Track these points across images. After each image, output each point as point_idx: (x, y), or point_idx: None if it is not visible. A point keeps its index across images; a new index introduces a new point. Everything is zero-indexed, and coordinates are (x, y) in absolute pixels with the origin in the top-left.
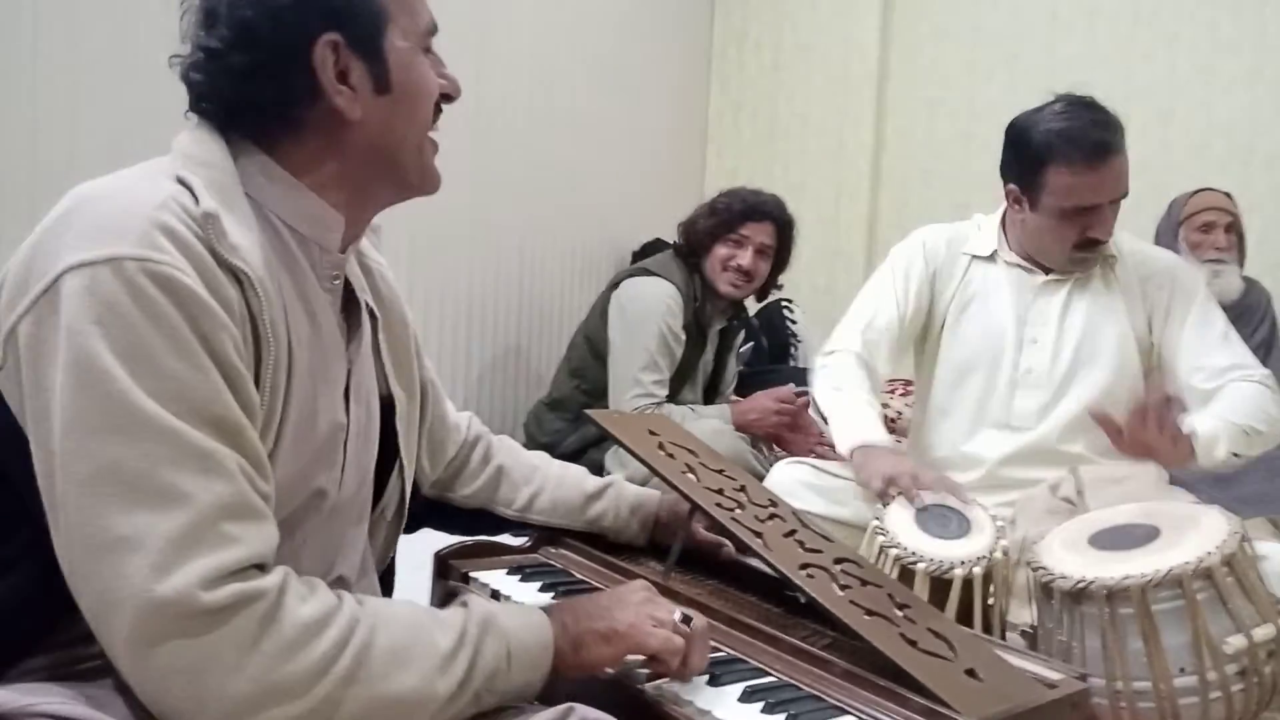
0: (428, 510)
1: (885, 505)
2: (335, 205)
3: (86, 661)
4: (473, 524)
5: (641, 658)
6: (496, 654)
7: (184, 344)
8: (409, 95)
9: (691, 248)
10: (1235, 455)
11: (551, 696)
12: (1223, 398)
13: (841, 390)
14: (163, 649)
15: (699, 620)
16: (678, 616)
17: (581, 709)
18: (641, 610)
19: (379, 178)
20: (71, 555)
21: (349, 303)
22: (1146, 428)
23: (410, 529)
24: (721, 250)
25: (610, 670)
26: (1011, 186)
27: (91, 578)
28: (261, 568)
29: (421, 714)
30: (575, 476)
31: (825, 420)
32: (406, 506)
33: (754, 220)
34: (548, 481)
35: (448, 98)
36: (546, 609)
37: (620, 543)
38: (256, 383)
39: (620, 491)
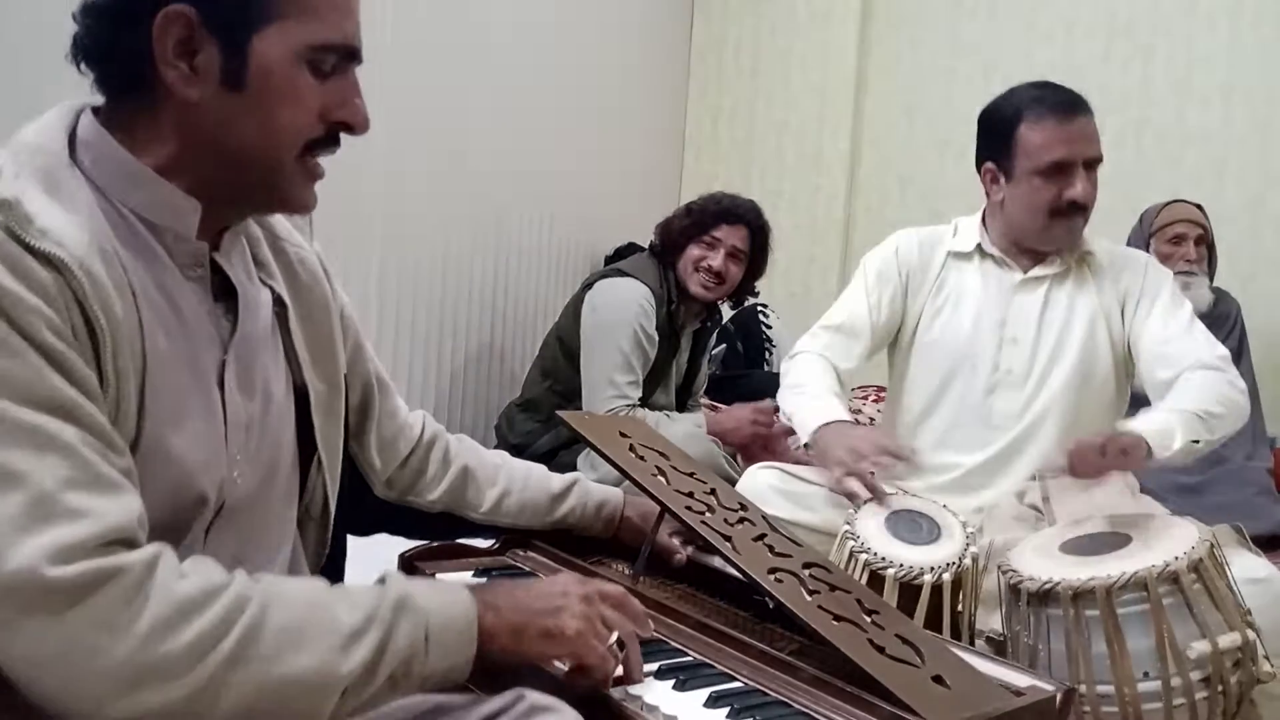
0: (385, 514)
1: (856, 510)
2: (190, 192)
3: None
4: (432, 528)
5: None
6: (412, 636)
7: None
8: (263, 102)
9: (666, 247)
10: (1195, 443)
11: (500, 682)
12: (1178, 388)
13: (803, 387)
14: (24, 632)
15: (634, 654)
16: (614, 639)
17: (531, 694)
18: (590, 617)
19: (226, 178)
20: None
21: (231, 292)
22: (1090, 461)
23: (365, 532)
24: (694, 251)
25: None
26: (988, 165)
27: None
28: (129, 544)
29: (323, 697)
30: (539, 476)
31: (789, 419)
32: (332, 503)
33: (728, 223)
34: (513, 482)
35: (348, 127)
36: (473, 589)
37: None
38: (100, 370)
39: (585, 490)
